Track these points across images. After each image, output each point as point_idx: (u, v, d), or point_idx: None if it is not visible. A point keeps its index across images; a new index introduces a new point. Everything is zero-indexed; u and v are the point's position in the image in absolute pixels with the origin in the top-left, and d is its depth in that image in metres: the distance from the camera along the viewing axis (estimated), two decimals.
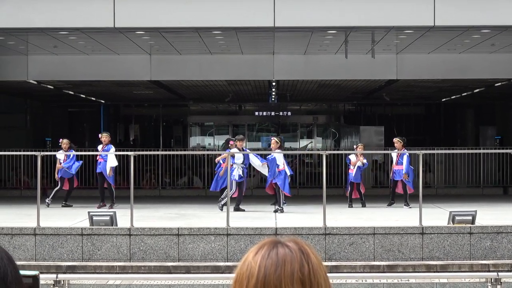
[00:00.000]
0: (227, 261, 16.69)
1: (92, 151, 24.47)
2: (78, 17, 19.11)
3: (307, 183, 30.58)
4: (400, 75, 26.48)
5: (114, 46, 23.76)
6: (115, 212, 17.67)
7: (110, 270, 16.39)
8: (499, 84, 29.94)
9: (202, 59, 26.02)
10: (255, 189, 28.35)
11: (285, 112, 46.82)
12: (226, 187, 20.12)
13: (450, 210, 18.35)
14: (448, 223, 17.52)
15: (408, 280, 15.26)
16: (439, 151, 29.58)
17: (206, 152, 37.19)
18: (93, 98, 39.49)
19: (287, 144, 36.57)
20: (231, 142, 22.18)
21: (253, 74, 27.15)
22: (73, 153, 23.16)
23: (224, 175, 21.02)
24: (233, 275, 2.31)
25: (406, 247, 16.95)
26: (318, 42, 22.88)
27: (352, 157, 23.18)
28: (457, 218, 17.48)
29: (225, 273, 15.85)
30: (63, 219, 19.22)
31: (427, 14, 18.96)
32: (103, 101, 42.41)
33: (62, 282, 12.14)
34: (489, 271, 15.67)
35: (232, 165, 20.67)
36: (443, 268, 16.42)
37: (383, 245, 16.93)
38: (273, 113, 46.45)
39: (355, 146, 23.73)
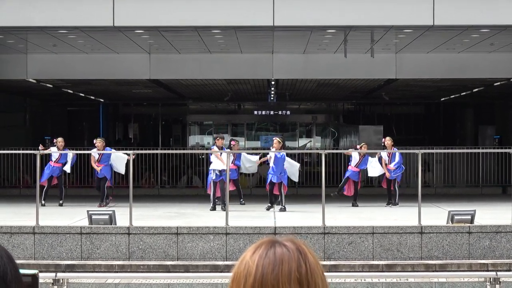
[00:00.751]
0: (226, 260, 16.69)
1: (91, 150, 24.38)
2: (77, 16, 19.11)
3: (306, 182, 30.55)
4: (399, 75, 26.47)
5: (114, 45, 23.76)
6: (114, 211, 17.69)
7: (109, 269, 16.40)
8: (498, 83, 29.94)
9: (201, 58, 26.00)
10: (254, 188, 28.35)
11: (284, 111, 46.79)
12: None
13: (449, 209, 18.35)
14: (447, 223, 17.52)
15: (407, 280, 15.23)
16: (438, 151, 29.54)
17: (205, 151, 37.15)
18: (92, 97, 39.48)
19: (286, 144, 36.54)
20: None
21: (252, 73, 27.13)
22: (70, 152, 23.44)
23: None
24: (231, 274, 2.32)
25: (405, 247, 16.95)
26: (317, 41, 22.87)
27: (355, 155, 23.14)
28: (456, 217, 17.48)
29: (224, 272, 15.85)
30: (62, 218, 19.23)
31: (426, 13, 18.97)
32: (102, 100, 42.39)
33: (61, 281, 12.14)
34: (488, 270, 15.67)
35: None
36: (442, 268, 16.42)
37: (382, 245, 16.93)
38: (272, 112, 46.41)
39: (358, 146, 23.58)
